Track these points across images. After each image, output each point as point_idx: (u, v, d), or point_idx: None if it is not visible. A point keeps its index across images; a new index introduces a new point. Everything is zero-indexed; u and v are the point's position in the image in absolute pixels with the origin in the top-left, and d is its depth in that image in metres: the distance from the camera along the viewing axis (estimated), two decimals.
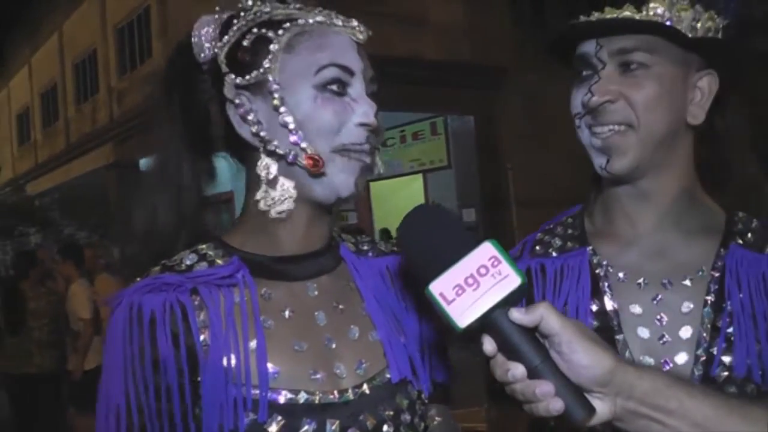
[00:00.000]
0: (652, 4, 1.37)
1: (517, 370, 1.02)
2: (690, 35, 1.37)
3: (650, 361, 1.35)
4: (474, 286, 1.01)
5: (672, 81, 1.37)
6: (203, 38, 1.30)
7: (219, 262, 1.27)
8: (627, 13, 1.37)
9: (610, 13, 1.38)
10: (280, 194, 1.26)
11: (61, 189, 21.57)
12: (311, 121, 1.23)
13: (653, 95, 1.35)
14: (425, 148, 16.78)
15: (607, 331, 1.37)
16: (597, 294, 1.42)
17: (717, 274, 1.38)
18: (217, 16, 1.31)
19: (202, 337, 1.19)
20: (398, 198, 17.16)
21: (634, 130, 1.35)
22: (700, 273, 1.39)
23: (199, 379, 1.17)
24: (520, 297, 1.05)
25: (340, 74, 1.25)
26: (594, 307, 1.41)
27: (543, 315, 1.02)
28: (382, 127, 1.31)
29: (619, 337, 1.37)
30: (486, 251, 1.03)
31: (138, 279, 1.23)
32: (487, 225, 14.53)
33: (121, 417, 1.16)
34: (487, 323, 1.02)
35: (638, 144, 1.36)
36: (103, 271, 7.79)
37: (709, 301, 1.36)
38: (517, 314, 1.02)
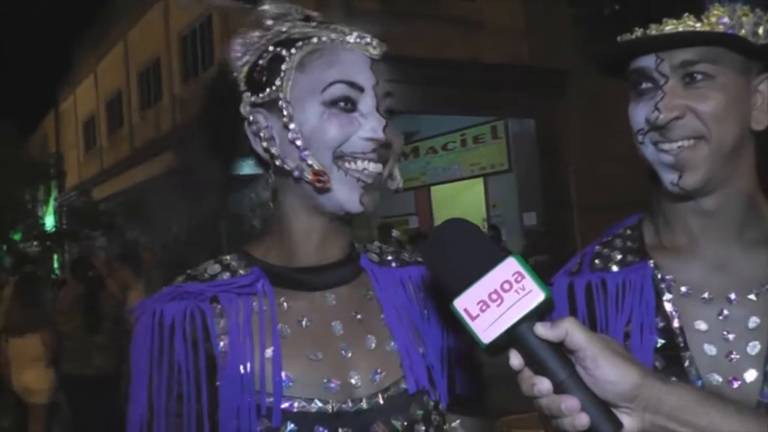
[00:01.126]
0: (714, 12, 1.32)
1: (543, 385, 1.02)
2: (754, 42, 1.32)
3: (718, 378, 1.30)
4: (498, 301, 1.02)
5: (737, 89, 1.32)
6: (233, 57, 1.35)
7: (241, 272, 1.30)
8: (689, 23, 1.32)
9: (670, 25, 1.33)
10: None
11: (126, 194, 22.03)
12: (317, 135, 1.25)
13: (722, 106, 1.30)
14: (486, 152, 16.73)
15: (673, 349, 1.34)
16: (661, 310, 1.38)
17: None
18: (244, 35, 1.35)
19: (221, 344, 1.23)
20: (459, 201, 17.18)
21: (707, 142, 1.30)
22: (766, 287, 1.34)
23: (217, 384, 1.21)
24: (548, 311, 1.05)
25: (348, 91, 1.26)
26: (659, 324, 1.37)
27: (568, 330, 1.01)
28: (395, 142, 1.32)
29: (685, 354, 1.33)
30: (510, 266, 1.03)
31: (163, 287, 1.28)
32: (549, 229, 14.38)
33: (144, 420, 1.21)
34: (513, 338, 1.02)
35: (710, 157, 1.31)
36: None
37: None
38: (542, 329, 1.02)
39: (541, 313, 1.03)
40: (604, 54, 1.45)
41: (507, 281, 1.02)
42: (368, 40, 1.32)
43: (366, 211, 1.29)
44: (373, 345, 1.32)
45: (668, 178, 1.34)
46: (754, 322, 1.32)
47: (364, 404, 1.26)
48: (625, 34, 1.38)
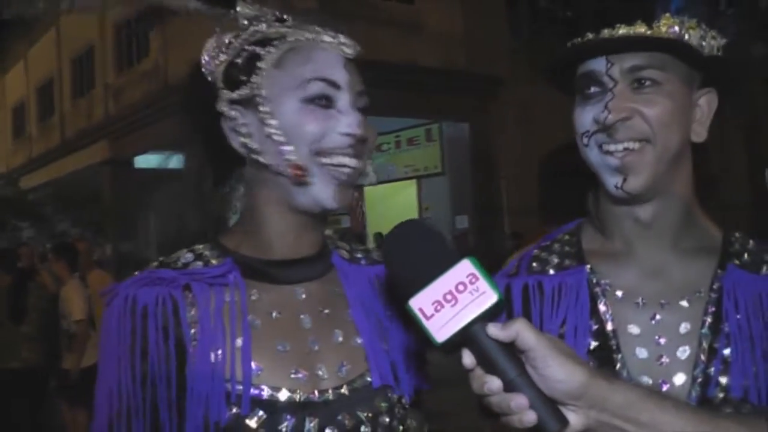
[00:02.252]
0: (664, 22, 1.37)
1: (493, 383, 1.04)
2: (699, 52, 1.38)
3: (648, 381, 1.34)
4: (452, 302, 1.04)
5: (682, 98, 1.37)
6: (207, 57, 1.37)
7: (213, 262, 1.33)
8: (640, 30, 1.37)
9: (622, 30, 1.37)
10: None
11: (55, 184, 21.53)
12: (295, 129, 1.28)
13: (668, 112, 1.34)
14: (420, 154, 16.75)
15: (605, 351, 1.37)
16: (595, 313, 1.41)
17: (714, 295, 1.38)
18: (218, 36, 1.38)
19: (192, 332, 1.25)
20: (392, 203, 17.13)
21: (652, 146, 1.34)
22: (698, 294, 1.39)
23: (186, 371, 1.23)
24: (500, 312, 1.07)
25: (325, 88, 1.30)
26: (593, 327, 1.40)
27: (519, 331, 1.03)
28: (370, 138, 1.36)
29: (617, 356, 1.36)
30: (464, 268, 1.05)
31: (135, 273, 1.29)
32: (479, 232, 14.58)
33: (113, 404, 1.22)
34: (466, 337, 1.04)
35: (655, 161, 1.34)
36: (96, 267, 7.84)
37: (706, 322, 1.36)
38: (493, 329, 1.04)
39: (494, 314, 1.05)
40: (557, 57, 1.47)
41: (462, 282, 1.04)
42: (342, 39, 1.34)
43: (340, 207, 1.32)
44: (340, 339, 1.35)
45: (612, 181, 1.36)
46: (685, 327, 1.36)
47: (330, 395, 1.28)
48: (576, 39, 1.42)
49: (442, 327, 1.04)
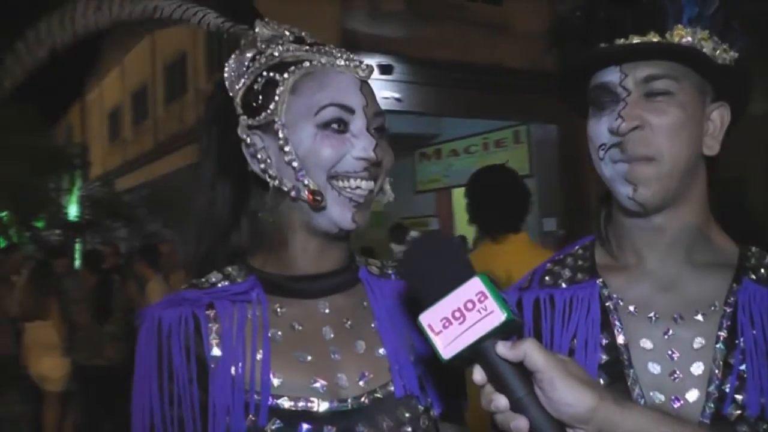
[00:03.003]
0: (677, 32, 1.35)
1: (500, 401, 1.05)
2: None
3: (660, 397, 1.32)
4: (460, 319, 1.04)
5: (694, 109, 1.35)
6: (230, 78, 1.41)
7: (239, 280, 1.37)
8: (653, 40, 1.35)
9: (636, 40, 1.35)
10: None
11: (148, 186, 22.13)
12: (311, 156, 1.31)
13: (678, 122, 1.32)
14: (508, 156, 16.63)
15: (616, 366, 1.36)
16: (607, 327, 1.40)
17: (729, 310, 1.35)
18: (239, 56, 1.41)
19: (213, 348, 1.29)
20: None
21: (658, 162, 1.33)
22: (713, 308, 1.36)
23: (208, 387, 1.27)
24: (515, 330, 1.09)
25: (339, 113, 1.32)
26: (604, 341, 1.39)
27: (527, 352, 1.04)
28: (386, 159, 1.37)
29: (629, 372, 1.35)
30: (474, 286, 1.06)
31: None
32: (567, 234, 14.33)
33: (146, 423, 1.27)
34: (476, 354, 1.05)
35: (665, 174, 1.33)
36: (180, 268, 8.00)
37: (721, 337, 1.33)
38: (502, 349, 1.04)
39: (506, 331, 1.05)
40: (570, 67, 1.46)
41: (470, 300, 1.05)
42: (357, 62, 1.38)
43: (358, 228, 1.35)
44: (363, 350, 1.37)
45: (624, 191, 1.36)
46: (699, 342, 1.34)
47: (350, 404, 1.30)
48: (587, 50, 1.41)
49: (448, 344, 1.05)
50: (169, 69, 22.75)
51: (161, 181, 21.04)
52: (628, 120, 1.32)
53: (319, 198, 1.30)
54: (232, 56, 1.41)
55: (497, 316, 1.04)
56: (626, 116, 1.32)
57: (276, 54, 1.36)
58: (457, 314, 1.04)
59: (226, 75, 1.41)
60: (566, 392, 1.03)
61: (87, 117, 32.47)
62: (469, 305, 1.04)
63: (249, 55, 1.39)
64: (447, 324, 1.05)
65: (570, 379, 1.04)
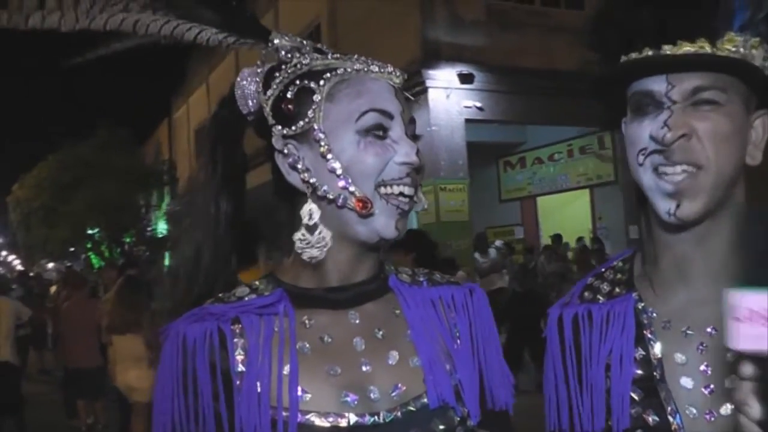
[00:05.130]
0: (728, 40, 1.29)
1: (755, 410, 0.96)
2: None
3: (694, 412, 1.30)
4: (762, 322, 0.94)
5: (740, 119, 1.31)
6: (246, 91, 1.38)
7: (266, 293, 1.34)
8: (705, 48, 1.28)
9: (685, 47, 1.29)
10: (317, 240, 1.31)
11: None
12: (356, 164, 1.28)
13: (726, 132, 1.28)
14: (593, 163, 16.45)
15: (650, 380, 1.34)
16: (641, 341, 1.38)
17: None
18: (259, 69, 1.38)
19: (239, 363, 1.26)
20: (565, 213, 16.96)
21: (706, 173, 1.28)
22: None
23: (234, 403, 1.24)
24: None
25: (380, 119, 1.30)
26: (638, 355, 1.37)
27: None
28: (423, 165, 1.34)
29: (662, 386, 1.33)
30: None
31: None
32: None
33: None
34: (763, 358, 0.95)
35: (711, 186, 1.28)
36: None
37: None
38: None
39: None
40: (613, 72, 1.40)
41: None
42: (390, 69, 1.36)
43: (399, 237, 1.32)
44: (395, 360, 1.33)
45: (665, 207, 1.31)
46: (732, 356, 1.26)
47: (381, 418, 1.27)
48: (632, 54, 1.34)
49: (741, 338, 0.94)
50: None
51: (246, 196, 21.46)
52: (675, 129, 1.27)
53: (369, 205, 1.27)
54: (246, 71, 1.39)
55: None
56: (672, 125, 1.27)
57: (305, 62, 1.34)
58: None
59: (239, 92, 1.39)
60: None
61: (174, 134, 33.36)
62: None
63: (267, 67, 1.37)
64: (752, 317, 0.94)
65: None
